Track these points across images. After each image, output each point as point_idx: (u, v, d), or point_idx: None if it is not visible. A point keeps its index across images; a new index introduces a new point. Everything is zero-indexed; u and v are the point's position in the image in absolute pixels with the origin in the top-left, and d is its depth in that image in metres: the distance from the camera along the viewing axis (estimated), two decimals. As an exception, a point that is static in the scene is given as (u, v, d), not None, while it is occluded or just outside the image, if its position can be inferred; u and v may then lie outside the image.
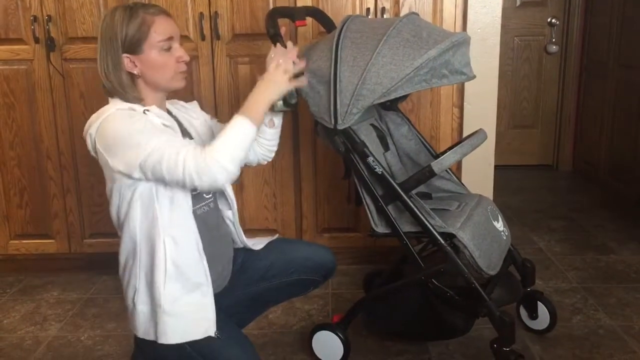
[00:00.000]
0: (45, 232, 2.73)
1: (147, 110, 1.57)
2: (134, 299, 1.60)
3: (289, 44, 1.77)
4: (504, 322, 1.79)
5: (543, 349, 2.12)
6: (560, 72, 4.47)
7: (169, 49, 1.60)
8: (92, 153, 1.59)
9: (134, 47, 1.57)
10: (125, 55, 1.57)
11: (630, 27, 3.62)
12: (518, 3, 4.39)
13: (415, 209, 1.82)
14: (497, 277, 1.92)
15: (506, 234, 2.01)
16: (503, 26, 2.55)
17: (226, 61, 2.53)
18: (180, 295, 1.57)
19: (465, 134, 2.55)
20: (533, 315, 2.21)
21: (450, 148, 2.00)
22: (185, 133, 1.70)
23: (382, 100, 1.75)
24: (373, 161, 1.84)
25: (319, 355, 2.08)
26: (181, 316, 1.57)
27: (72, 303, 2.57)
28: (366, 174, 1.86)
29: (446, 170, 2.14)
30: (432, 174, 1.79)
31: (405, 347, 2.15)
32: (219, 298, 1.64)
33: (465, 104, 2.53)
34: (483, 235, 1.88)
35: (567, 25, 4.37)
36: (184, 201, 1.57)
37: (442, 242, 1.80)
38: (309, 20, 2.20)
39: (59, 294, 2.65)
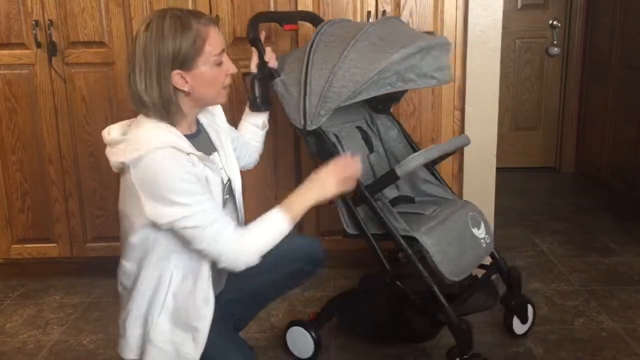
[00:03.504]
0: (47, 236, 2.73)
1: (191, 154, 1.48)
2: (125, 321, 1.59)
3: (268, 49, 1.91)
4: (461, 329, 1.78)
5: (545, 352, 2.12)
6: (562, 74, 4.47)
7: (220, 64, 1.54)
8: (116, 170, 1.53)
9: (187, 63, 1.47)
10: (176, 72, 1.47)
11: (632, 29, 3.62)
12: (519, 5, 4.39)
13: (380, 212, 1.83)
14: (474, 285, 1.95)
15: (487, 241, 2.00)
16: (504, 28, 2.55)
17: (227, 65, 2.54)
18: (169, 330, 1.55)
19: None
20: (523, 320, 2.19)
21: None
22: (212, 148, 1.67)
23: (348, 103, 1.77)
24: None
25: (291, 350, 2.11)
26: (165, 352, 1.55)
27: (74, 307, 2.57)
28: None
29: (434, 175, 2.17)
30: (395, 177, 1.81)
31: (405, 350, 2.14)
32: (217, 297, 1.62)
33: (466, 106, 2.53)
34: (453, 241, 1.88)
35: (568, 27, 4.37)
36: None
37: (404, 245, 1.81)
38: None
39: (61, 298, 2.65)
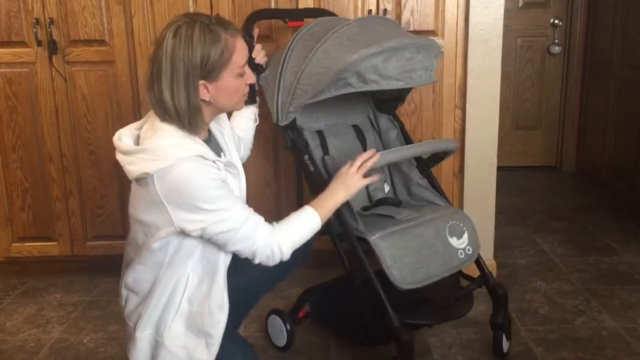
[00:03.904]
0: (48, 235, 2.73)
1: (217, 161, 1.48)
2: (136, 324, 1.58)
3: (258, 46, 1.96)
4: (400, 338, 1.73)
5: (546, 351, 2.12)
6: (563, 73, 4.47)
7: (243, 75, 1.54)
8: (131, 179, 1.49)
9: (213, 73, 1.46)
10: (202, 82, 1.45)
11: (633, 28, 3.61)
12: (520, 4, 4.38)
13: (342, 211, 1.81)
14: (444, 296, 1.93)
15: (468, 252, 1.93)
16: (505, 27, 2.54)
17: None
18: (183, 335, 1.55)
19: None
20: (508, 337, 2.08)
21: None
22: (219, 150, 1.66)
23: (314, 100, 1.78)
24: (308, 159, 1.91)
25: (270, 336, 2.20)
26: (176, 356, 1.55)
27: (74, 305, 2.57)
28: (305, 170, 1.92)
29: (429, 179, 2.14)
30: None
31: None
32: None
33: (467, 105, 2.53)
34: (414, 247, 1.83)
35: (569, 26, 4.37)
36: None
37: (356, 245, 1.81)
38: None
39: (62, 297, 2.65)
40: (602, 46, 4.05)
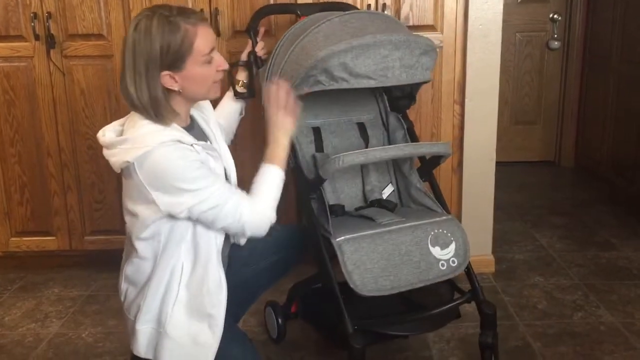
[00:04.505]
0: (46, 229, 2.73)
1: (194, 144, 1.51)
2: (136, 316, 1.59)
3: (261, 43, 1.98)
4: (350, 344, 1.68)
5: (544, 346, 2.12)
6: (562, 68, 4.46)
7: (210, 62, 1.54)
8: (117, 171, 1.52)
9: (176, 63, 1.47)
10: (165, 72, 1.47)
11: (632, 22, 3.61)
12: (520, -2, 4.38)
13: (311, 208, 1.81)
14: (421, 305, 1.87)
15: (452, 264, 1.82)
16: (505, 22, 2.54)
17: (227, 58, 2.51)
18: (185, 322, 1.56)
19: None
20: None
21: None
22: (205, 138, 1.68)
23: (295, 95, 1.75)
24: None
25: (267, 327, 2.23)
26: (181, 344, 1.56)
27: (73, 300, 2.57)
28: (290, 166, 1.88)
29: (431, 183, 2.06)
30: (320, 179, 1.78)
31: (406, 343, 2.14)
32: None
33: (466, 100, 2.52)
34: (383, 254, 1.75)
35: (569, 20, 4.36)
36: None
37: (321, 244, 1.78)
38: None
39: (60, 291, 2.65)
40: (602, 41, 4.04)
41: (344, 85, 1.71)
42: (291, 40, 1.85)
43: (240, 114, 2.00)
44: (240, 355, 1.63)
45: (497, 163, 2.60)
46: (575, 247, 2.99)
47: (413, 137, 2.11)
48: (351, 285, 1.70)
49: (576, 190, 3.98)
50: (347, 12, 1.86)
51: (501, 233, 3.09)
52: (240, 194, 1.58)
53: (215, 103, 1.98)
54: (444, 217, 1.91)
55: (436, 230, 1.84)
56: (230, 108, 1.98)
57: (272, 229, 1.64)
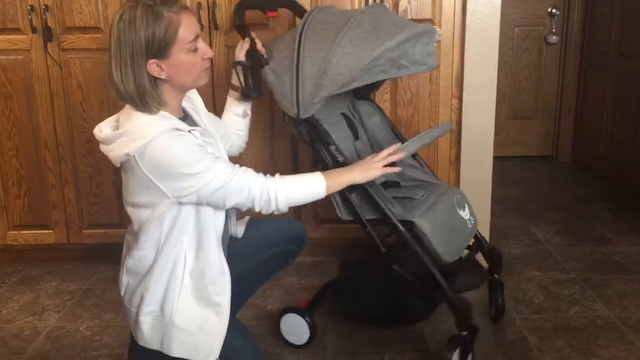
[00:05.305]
0: (44, 223, 2.73)
1: (192, 131, 1.53)
2: (139, 306, 1.59)
3: (258, 42, 1.92)
4: (458, 306, 1.84)
5: (540, 340, 2.13)
6: (560, 63, 4.46)
7: (196, 50, 1.55)
8: (117, 165, 1.53)
9: (161, 51, 1.48)
10: (152, 61, 1.49)
11: (630, 17, 3.61)
12: (518, -7, 4.37)
13: (376, 197, 1.84)
14: (461, 265, 1.99)
15: (472, 222, 2.06)
16: (503, 16, 2.53)
17: (224, 51, 2.52)
18: (192, 310, 1.57)
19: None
20: (498, 301, 2.24)
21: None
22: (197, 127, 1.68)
23: (342, 90, 1.78)
24: (335, 150, 1.89)
25: (286, 337, 2.13)
26: (189, 333, 1.57)
27: (70, 293, 2.57)
28: (330, 162, 1.89)
29: (417, 161, 2.20)
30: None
31: (403, 337, 2.15)
32: None
33: (464, 94, 2.52)
34: (444, 223, 1.92)
35: (567, 15, 4.35)
36: (214, 216, 1.58)
37: (402, 229, 1.84)
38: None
39: (58, 285, 2.65)
40: (600, 36, 4.04)
41: (403, 73, 1.78)
42: (324, 34, 1.83)
43: (245, 115, 1.98)
44: (242, 345, 1.64)
45: (495, 157, 2.61)
46: (572, 242, 3.00)
47: (388, 120, 2.24)
48: (441, 256, 1.84)
49: (573, 185, 3.98)
50: (366, 7, 1.90)
51: (498, 227, 3.10)
52: (245, 169, 1.58)
53: (219, 110, 1.99)
54: (446, 184, 2.16)
55: (456, 197, 2.04)
56: (233, 112, 1.96)
57: (271, 223, 1.66)
